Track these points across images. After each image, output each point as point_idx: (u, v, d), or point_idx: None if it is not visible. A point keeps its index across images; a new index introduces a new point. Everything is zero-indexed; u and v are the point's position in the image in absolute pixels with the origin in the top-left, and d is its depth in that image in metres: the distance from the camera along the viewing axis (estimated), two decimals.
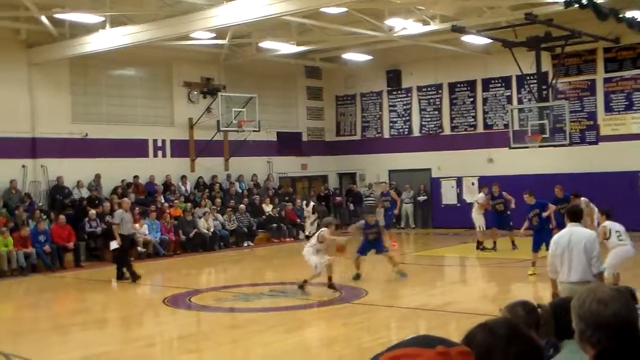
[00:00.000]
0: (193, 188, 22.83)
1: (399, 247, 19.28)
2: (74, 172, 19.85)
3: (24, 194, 18.86)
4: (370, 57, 24.33)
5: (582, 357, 2.25)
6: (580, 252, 6.94)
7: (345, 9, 17.73)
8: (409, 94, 25.78)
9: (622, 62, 21.47)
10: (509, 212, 17.80)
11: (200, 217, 20.80)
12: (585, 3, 14.56)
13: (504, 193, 17.94)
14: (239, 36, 21.51)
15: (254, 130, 22.70)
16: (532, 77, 20.88)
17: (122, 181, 20.91)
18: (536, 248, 13.66)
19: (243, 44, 22.78)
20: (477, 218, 18.18)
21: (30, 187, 19.32)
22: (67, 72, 20.34)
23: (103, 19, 17.63)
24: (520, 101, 23.05)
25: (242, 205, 22.15)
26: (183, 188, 22.51)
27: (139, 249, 18.36)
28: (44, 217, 18.00)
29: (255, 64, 24.12)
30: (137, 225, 18.05)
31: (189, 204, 21.07)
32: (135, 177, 21.24)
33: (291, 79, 26.61)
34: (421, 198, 25.19)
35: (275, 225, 22.70)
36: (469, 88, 24.49)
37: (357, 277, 13.89)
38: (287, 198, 24.10)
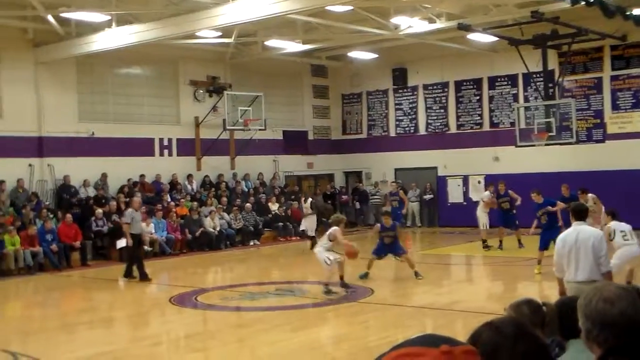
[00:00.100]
0: (199, 187, 22.87)
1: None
2: (80, 171, 19.91)
3: (31, 193, 18.93)
4: (376, 56, 24.31)
5: (588, 356, 2.24)
6: (588, 250, 6.87)
7: (351, 7, 17.71)
8: (415, 92, 25.76)
9: (629, 59, 21.39)
10: (514, 211, 17.76)
11: (206, 216, 20.83)
12: (592, 1, 14.52)
13: (509, 191, 17.90)
14: (244, 35, 21.52)
15: (260, 129, 22.70)
16: (538, 75, 20.83)
17: (129, 180, 20.96)
18: (543, 246, 13.63)
19: (249, 43, 22.79)
20: (482, 216, 18.14)
21: (37, 186, 19.38)
22: (73, 71, 20.39)
23: (109, 17, 17.67)
24: (526, 99, 23.00)
25: (248, 204, 22.17)
26: (189, 187, 22.54)
27: (146, 248, 18.36)
28: (51, 216, 18.06)
29: (261, 63, 24.13)
30: (143, 224, 18.08)
31: (195, 203, 21.10)
32: (142, 176, 21.28)
33: (297, 77, 26.62)
34: (427, 196, 25.17)
35: (281, 224, 22.72)
36: (475, 86, 24.45)
37: (364, 275, 13.84)
38: (293, 197, 24.10)
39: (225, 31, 19.80)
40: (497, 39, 20.73)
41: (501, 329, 2.02)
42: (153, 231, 19.00)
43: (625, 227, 10.83)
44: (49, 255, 16.99)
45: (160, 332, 10.95)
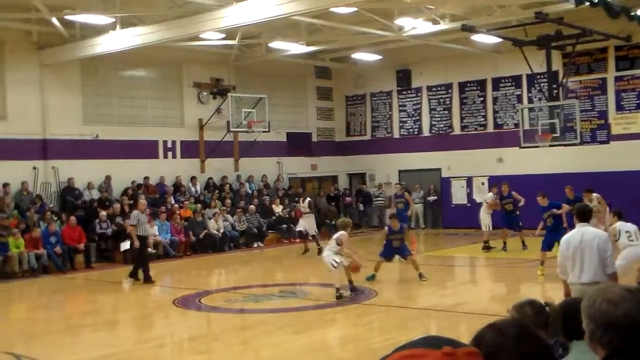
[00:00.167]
0: (203, 189, 22.88)
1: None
2: (84, 173, 19.94)
3: (35, 195, 18.96)
4: (380, 57, 24.31)
5: (592, 358, 2.22)
6: (593, 252, 6.80)
7: (355, 9, 17.71)
8: (419, 94, 25.74)
9: (634, 60, 21.35)
10: (518, 212, 17.75)
11: (210, 218, 20.84)
12: (596, 1, 14.49)
13: (513, 192, 17.89)
14: (248, 36, 21.54)
15: (263, 131, 22.72)
16: (542, 76, 20.79)
17: (133, 182, 20.99)
18: (546, 247, 13.58)
19: (253, 45, 22.81)
20: (484, 218, 18.12)
21: (41, 189, 19.42)
22: (78, 74, 20.43)
23: (113, 20, 17.71)
24: (530, 100, 22.97)
25: (252, 206, 22.17)
26: (193, 189, 22.55)
27: (149, 250, 18.37)
28: (55, 218, 18.09)
29: (265, 65, 24.15)
30: (147, 226, 18.09)
31: (199, 205, 21.11)
32: (146, 178, 21.31)
33: (301, 79, 26.63)
34: (431, 198, 25.15)
35: (285, 226, 22.71)
36: (479, 87, 24.42)
37: (371, 277, 13.80)
38: (297, 199, 24.05)
39: (229, 33, 19.82)
40: (501, 40, 20.70)
41: (504, 331, 2.01)
42: (157, 233, 19.02)
43: (631, 227, 10.78)
44: (53, 257, 17.01)
45: (164, 334, 10.95)
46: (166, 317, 12.18)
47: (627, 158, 20.93)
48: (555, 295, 8.72)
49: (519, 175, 21.84)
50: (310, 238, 19.23)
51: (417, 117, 25.83)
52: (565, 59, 21.52)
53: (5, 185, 18.25)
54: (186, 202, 21.17)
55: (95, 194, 20.09)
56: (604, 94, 21.83)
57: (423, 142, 25.52)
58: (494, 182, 20.41)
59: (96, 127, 20.64)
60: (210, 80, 23.60)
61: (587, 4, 14.71)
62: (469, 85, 24.60)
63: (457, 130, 24.93)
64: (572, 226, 9.09)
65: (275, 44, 22.05)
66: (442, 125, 25.26)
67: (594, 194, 16.37)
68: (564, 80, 21.14)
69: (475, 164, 23.96)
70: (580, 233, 6.99)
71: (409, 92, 25.96)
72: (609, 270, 6.83)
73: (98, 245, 18.53)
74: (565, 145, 20.34)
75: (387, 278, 14.14)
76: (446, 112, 25.16)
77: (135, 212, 15.41)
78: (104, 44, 18.33)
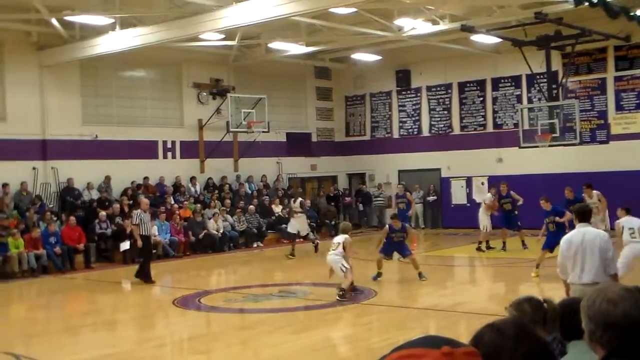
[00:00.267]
0: (202, 189, 22.88)
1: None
2: (84, 173, 19.94)
3: (34, 195, 18.96)
4: (380, 57, 24.31)
5: (591, 357, 2.23)
6: (595, 252, 6.76)
7: (354, 9, 17.71)
8: (419, 94, 25.75)
9: (633, 60, 21.35)
10: (516, 212, 17.76)
11: (209, 218, 20.83)
12: (596, 1, 14.49)
13: (511, 192, 17.90)
14: (248, 37, 21.54)
15: (263, 131, 22.71)
16: (542, 76, 20.80)
17: (132, 182, 20.98)
18: (547, 246, 13.48)
19: (252, 45, 22.81)
20: (483, 218, 18.13)
21: (40, 189, 19.42)
22: (77, 74, 20.42)
23: (113, 20, 17.71)
24: (530, 100, 22.97)
25: (251, 206, 22.17)
26: (192, 189, 22.55)
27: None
28: (55, 218, 18.08)
29: (264, 65, 24.15)
30: (150, 225, 18.08)
31: (199, 205, 21.10)
32: (145, 178, 21.31)
33: (300, 79, 26.63)
34: (431, 198, 25.15)
35: (284, 226, 22.66)
36: (478, 87, 24.43)
37: (378, 276, 13.78)
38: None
39: (229, 34, 19.82)
40: (500, 40, 20.71)
41: (503, 330, 2.01)
42: (156, 233, 19.00)
43: (636, 223, 10.72)
44: (52, 257, 17.01)
45: (164, 334, 10.95)
46: (166, 317, 12.19)
47: (627, 158, 20.93)
48: (554, 295, 8.71)
49: (518, 175, 21.86)
50: (302, 239, 18.96)
51: (417, 117, 25.83)
52: (564, 59, 21.53)
53: (5, 185, 18.24)
54: (186, 202, 21.17)
55: (95, 194, 20.08)
56: (604, 94, 21.83)
57: (423, 142, 25.53)
58: (493, 182, 20.43)
59: (96, 127, 20.64)
60: (209, 81, 23.60)
61: (587, 4, 14.71)
62: (468, 85, 24.60)
63: (456, 131, 24.93)
64: (573, 227, 9.08)
65: (275, 45, 22.05)
66: (442, 126, 25.27)
67: (594, 191, 16.40)
68: (564, 81, 21.14)
69: (475, 164, 23.96)
70: (581, 233, 6.95)
71: (409, 92, 25.97)
72: (610, 270, 6.81)
73: (98, 245, 18.53)
74: (564, 145, 20.34)
75: (386, 278, 14.13)
76: (446, 112, 25.17)
77: (137, 211, 15.38)
78: (103, 45, 18.32)
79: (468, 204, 23.88)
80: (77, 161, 19.96)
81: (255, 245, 21.58)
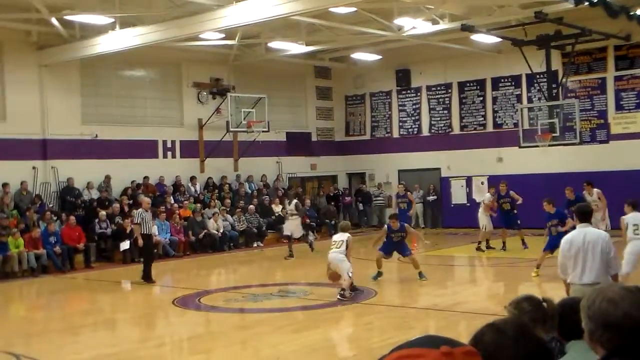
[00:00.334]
0: (202, 189, 22.87)
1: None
2: (84, 173, 19.94)
3: (34, 195, 18.96)
4: (380, 57, 24.30)
5: (590, 358, 2.23)
6: (597, 253, 6.73)
7: (354, 9, 17.71)
8: (419, 94, 25.74)
9: (633, 60, 21.35)
10: (515, 211, 17.76)
11: (209, 218, 20.83)
12: (596, 1, 14.50)
13: (511, 192, 17.89)
14: (248, 36, 21.54)
15: (263, 131, 22.71)
16: (542, 76, 20.79)
17: (132, 182, 20.98)
18: (549, 248, 13.40)
19: (252, 44, 22.80)
20: (482, 218, 18.14)
21: (40, 189, 19.42)
22: (77, 74, 20.42)
23: (113, 20, 17.70)
24: (530, 100, 22.97)
25: (251, 206, 22.16)
26: (192, 189, 22.55)
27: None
28: (55, 218, 18.09)
29: (264, 64, 24.15)
30: (152, 224, 18.07)
31: (199, 205, 21.10)
32: (145, 178, 21.30)
33: (300, 79, 26.62)
34: (431, 198, 25.14)
35: (283, 226, 22.67)
36: (478, 87, 24.43)
37: (378, 275, 13.76)
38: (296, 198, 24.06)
39: (229, 33, 19.82)
40: (500, 39, 20.71)
41: (503, 330, 2.01)
42: (157, 233, 19.00)
43: None
44: (52, 257, 17.01)
45: (164, 333, 10.96)
46: (166, 317, 12.19)
47: (627, 157, 20.93)
48: (555, 295, 8.71)
49: (518, 174, 21.86)
50: (294, 241, 18.83)
51: (417, 117, 25.83)
52: (564, 58, 21.53)
53: (5, 185, 18.23)
54: (186, 202, 21.17)
55: (95, 194, 20.08)
56: (604, 94, 21.83)
57: (422, 141, 25.52)
58: (493, 182, 20.43)
59: (95, 127, 20.64)
60: (209, 80, 23.59)
61: (587, 3, 14.72)
62: (468, 85, 24.60)
63: (456, 130, 24.93)
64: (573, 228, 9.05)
65: (275, 44, 22.04)
66: (442, 125, 25.27)
67: (595, 189, 16.43)
68: (564, 80, 21.15)
69: (475, 164, 23.96)
70: (583, 233, 6.91)
71: (409, 91, 25.96)
72: (612, 271, 6.78)
73: (97, 245, 18.53)
74: (564, 144, 20.35)
75: (386, 278, 14.13)
76: (445, 111, 25.16)
77: (138, 210, 15.38)
78: (103, 44, 18.32)
79: (468, 204, 23.88)
80: (77, 161, 19.96)
81: (255, 245, 21.58)
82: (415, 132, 25.90)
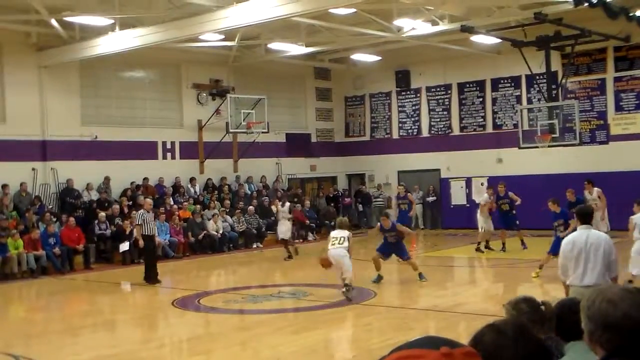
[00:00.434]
0: (202, 190, 22.88)
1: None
2: (83, 174, 19.93)
3: (34, 196, 18.96)
4: (379, 58, 24.31)
5: (590, 358, 2.22)
6: (599, 254, 6.69)
7: (354, 10, 17.72)
8: (418, 95, 25.75)
9: (633, 60, 21.36)
10: (514, 212, 17.76)
11: (209, 219, 20.83)
12: (595, 2, 14.49)
13: (510, 193, 17.89)
14: (247, 37, 21.55)
15: (263, 132, 22.71)
16: (541, 77, 20.79)
17: (132, 183, 20.98)
18: (552, 251, 13.35)
19: (252, 46, 22.81)
20: (480, 219, 18.15)
21: (40, 190, 19.41)
22: (76, 75, 20.43)
23: (112, 21, 17.70)
24: (529, 101, 22.98)
25: (251, 207, 22.16)
26: (192, 190, 22.55)
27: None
28: (54, 219, 18.08)
29: (264, 66, 24.15)
30: (153, 224, 18.04)
31: (198, 206, 21.10)
32: (145, 179, 21.30)
33: (300, 80, 26.63)
34: (430, 199, 25.15)
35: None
36: (478, 88, 24.43)
37: (378, 279, 13.71)
38: (296, 199, 24.08)
39: (229, 34, 19.82)
40: (500, 40, 20.72)
41: (502, 331, 2.01)
42: (156, 234, 19.00)
43: None
44: (52, 258, 17.00)
45: (163, 335, 10.95)
46: (165, 318, 12.19)
47: (626, 158, 20.94)
48: (555, 296, 8.70)
49: (518, 175, 21.86)
50: (280, 241, 18.81)
51: (416, 118, 25.84)
52: (564, 59, 21.54)
53: (4, 186, 18.22)
54: (185, 203, 21.16)
55: (94, 195, 20.08)
56: (603, 95, 21.84)
57: (422, 142, 25.53)
58: (494, 183, 20.42)
59: (95, 128, 20.64)
60: (209, 81, 23.60)
61: (586, 4, 14.71)
62: (468, 85, 24.61)
63: (456, 131, 24.93)
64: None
65: (275, 45, 22.05)
66: (441, 126, 25.27)
67: (595, 188, 16.45)
68: (563, 81, 21.16)
69: (475, 165, 23.96)
70: (585, 235, 6.86)
71: (408, 92, 25.97)
72: (612, 273, 6.74)
73: (97, 246, 18.52)
74: (564, 145, 20.34)
75: (386, 279, 14.11)
76: (445, 112, 25.17)
77: (140, 211, 15.38)
78: (103, 45, 18.32)
79: (467, 205, 23.88)
80: (76, 162, 19.96)
81: (254, 246, 21.58)
82: (414, 133, 25.90)
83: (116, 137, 21.01)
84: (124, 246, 17.80)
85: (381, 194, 25.92)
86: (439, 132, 25.30)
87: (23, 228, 17.25)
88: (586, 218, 7.12)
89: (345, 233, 12.33)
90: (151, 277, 14.88)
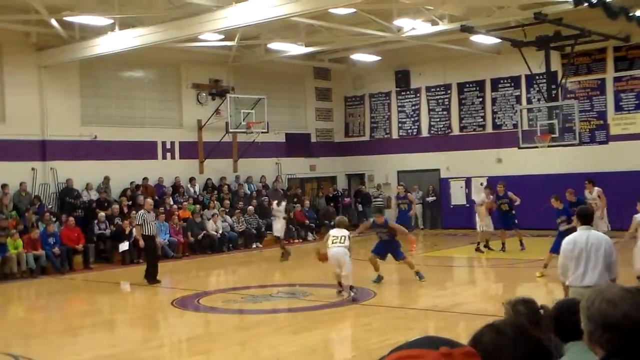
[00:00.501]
0: (202, 190, 22.87)
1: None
2: (83, 174, 19.93)
3: (33, 196, 18.95)
4: (379, 58, 24.31)
5: (589, 358, 2.22)
6: (600, 255, 6.68)
7: (353, 10, 17.71)
8: (418, 95, 25.75)
9: (633, 61, 21.36)
10: (514, 212, 17.76)
11: (208, 219, 20.83)
12: (595, 2, 14.49)
13: (509, 193, 17.89)
14: (247, 37, 21.54)
15: (262, 132, 22.70)
16: (541, 77, 20.79)
17: (131, 183, 20.97)
18: (554, 249, 13.35)
19: (252, 46, 22.81)
20: (477, 219, 18.13)
21: (39, 190, 19.41)
22: (76, 75, 20.42)
23: (112, 21, 17.70)
24: (529, 101, 22.97)
25: (250, 207, 22.16)
26: (192, 190, 22.54)
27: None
28: (54, 219, 18.07)
29: (263, 65, 24.15)
30: (154, 224, 18.03)
31: (198, 206, 21.10)
32: (145, 179, 21.29)
33: (300, 80, 26.63)
34: (430, 199, 25.15)
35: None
36: (477, 88, 24.43)
37: (379, 279, 13.69)
38: (295, 199, 24.09)
39: (228, 34, 19.82)
40: (500, 40, 20.71)
41: (502, 331, 2.01)
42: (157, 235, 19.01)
43: None
44: (51, 258, 17.00)
45: (163, 335, 10.95)
46: (165, 318, 12.19)
47: (626, 158, 20.93)
48: (555, 296, 8.70)
49: (517, 175, 21.86)
50: (275, 239, 18.77)
51: (416, 118, 25.83)
52: (564, 59, 21.54)
53: (4, 186, 18.22)
54: (185, 203, 21.16)
55: (94, 195, 20.07)
56: (603, 95, 21.83)
57: (422, 142, 25.53)
58: (493, 183, 20.42)
59: (95, 128, 20.64)
60: (209, 81, 23.60)
61: (586, 4, 14.71)
62: (467, 85, 24.60)
63: (455, 131, 24.93)
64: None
65: (274, 45, 22.04)
66: (441, 126, 25.27)
67: (596, 188, 16.46)
68: (563, 81, 21.16)
69: (474, 165, 23.95)
70: (585, 235, 6.85)
71: (408, 92, 25.96)
72: (612, 275, 6.73)
73: (96, 246, 18.52)
74: (564, 145, 20.34)
75: (385, 279, 14.10)
76: (445, 112, 25.17)
77: (140, 211, 15.38)
78: (102, 45, 18.32)
79: (467, 205, 23.87)
80: (76, 162, 19.95)
81: (254, 246, 21.58)
82: (414, 133, 25.90)
83: (116, 137, 21.00)
84: (124, 246, 17.81)
85: (381, 194, 25.90)
86: (439, 132, 25.30)
87: (22, 228, 17.24)
88: (587, 219, 7.13)
89: (345, 232, 12.35)
90: (151, 277, 14.88)
